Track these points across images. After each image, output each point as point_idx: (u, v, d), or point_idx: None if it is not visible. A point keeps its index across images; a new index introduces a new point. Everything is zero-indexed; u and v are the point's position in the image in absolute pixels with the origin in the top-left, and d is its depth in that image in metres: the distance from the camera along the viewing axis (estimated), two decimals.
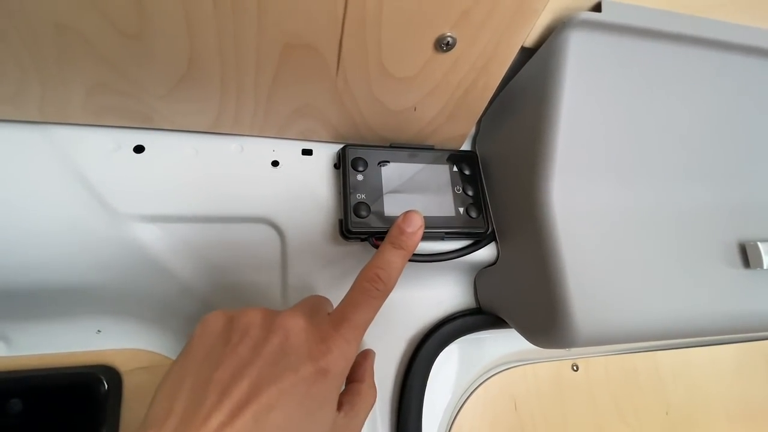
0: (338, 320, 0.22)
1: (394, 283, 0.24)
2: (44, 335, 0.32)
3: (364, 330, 0.22)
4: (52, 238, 0.28)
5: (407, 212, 0.25)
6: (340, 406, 0.22)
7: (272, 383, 0.19)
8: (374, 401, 0.25)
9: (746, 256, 0.30)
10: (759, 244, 0.29)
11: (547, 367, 0.42)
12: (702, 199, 0.31)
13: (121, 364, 0.32)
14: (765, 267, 0.29)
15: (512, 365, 0.40)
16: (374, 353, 0.28)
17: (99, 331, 0.33)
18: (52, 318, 0.32)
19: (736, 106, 0.31)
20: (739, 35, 0.28)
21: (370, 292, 0.22)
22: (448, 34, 0.24)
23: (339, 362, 0.21)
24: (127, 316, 0.33)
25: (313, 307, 0.25)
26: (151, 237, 0.29)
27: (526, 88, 0.29)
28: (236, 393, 0.18)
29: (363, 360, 0.27)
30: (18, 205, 0.27)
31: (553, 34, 0.26)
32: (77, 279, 0.30)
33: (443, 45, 0.24)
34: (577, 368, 0.43)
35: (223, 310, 0.22)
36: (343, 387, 0.25)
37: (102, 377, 0.31)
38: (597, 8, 0.25)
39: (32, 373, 0.31)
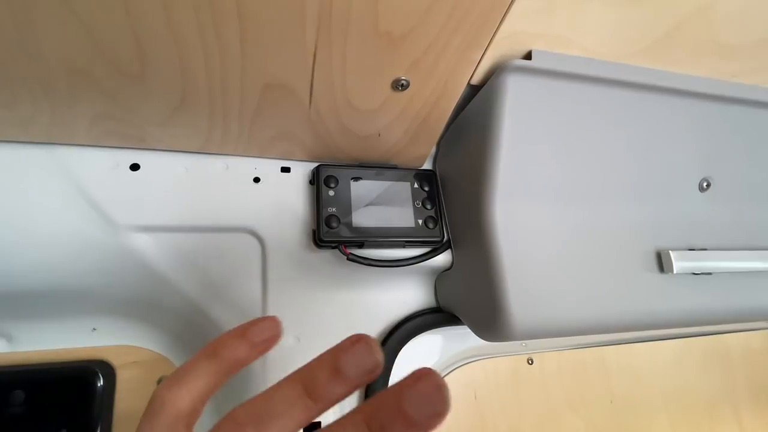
0: None
1: None
2: (44, 333, 0.35)
3: None
4: (55, 246, 0.31)
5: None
6: None
7: None
8: None
9: (661, 262, 0.35)
10: (670, 252, 0.34)
11: (505, 361, 0.46)
12: (625, 215, 0.36)
13: (114, 359, 0.36)
14: (675, 272, 0.34)
15: (473, 359, 0.45)
16: None
17: (94, 329, 0.36)
18: (52, 317, 0.35)
19: (652, 137, 0.36)
20: (653, 78, 0.33)
21: None
22: (403, 77, 0.28)
23: None
24: (120, 316, 0.36)
25: None
26: (145, 245, 0.33)
27: (473, 120, 0.34)
28: None
29: None
30: (24, 216, 0.30)
31: (492, 76, 0.31)
32: (76, 282, 0.33)
33: (399, 86, 0.29)
34: (532, 362, 0.47)
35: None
36: None
37: (97, 371, 0.34)
38: (528, 56, 0.30)
39: (33, 368, 0.34)
